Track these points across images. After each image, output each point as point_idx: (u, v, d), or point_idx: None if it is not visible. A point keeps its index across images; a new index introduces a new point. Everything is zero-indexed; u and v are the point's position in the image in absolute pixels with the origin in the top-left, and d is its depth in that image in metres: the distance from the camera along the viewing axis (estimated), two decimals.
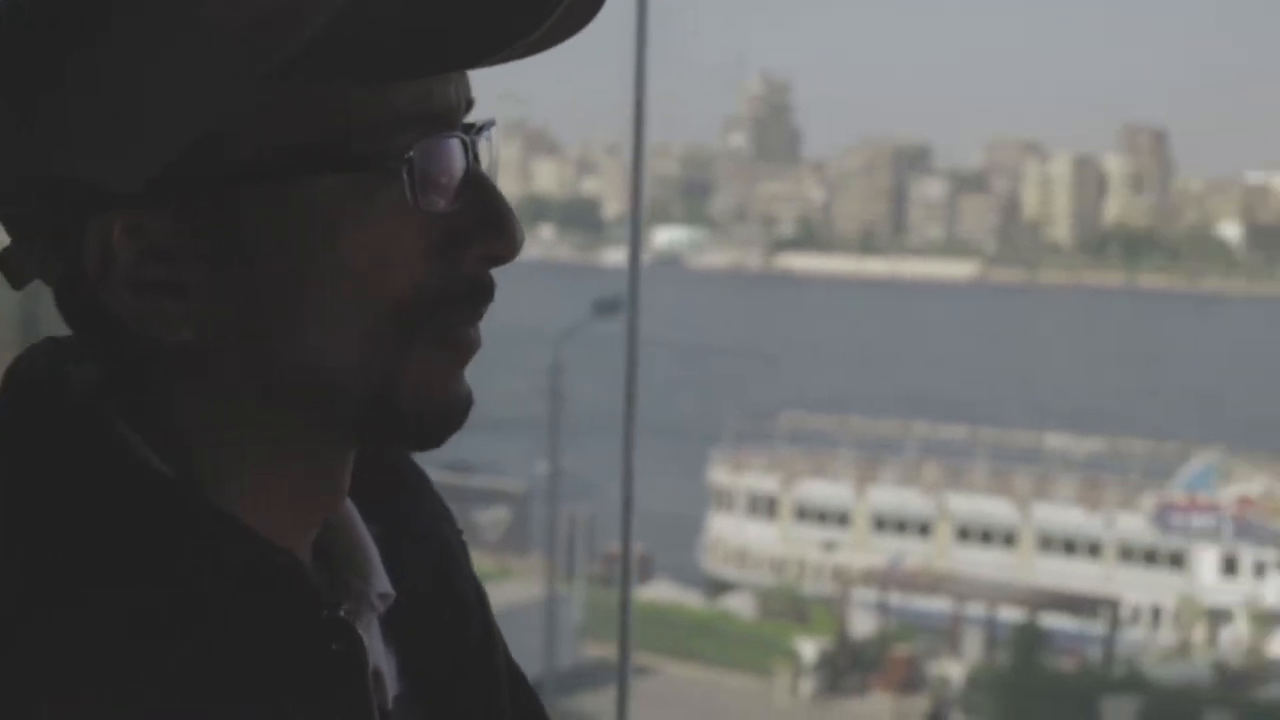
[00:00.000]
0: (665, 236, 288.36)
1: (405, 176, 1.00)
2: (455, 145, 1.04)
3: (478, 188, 1.05)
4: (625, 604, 3.28)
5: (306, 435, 1.05)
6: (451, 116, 1.04)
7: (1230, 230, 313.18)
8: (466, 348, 1.06)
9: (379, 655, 1.13)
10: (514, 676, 1.31)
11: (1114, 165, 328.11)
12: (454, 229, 1.03)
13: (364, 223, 1.00)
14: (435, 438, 1.06)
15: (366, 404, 1.02)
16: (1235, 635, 44.27)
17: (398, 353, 1.02)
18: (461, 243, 1.04)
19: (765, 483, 50.88)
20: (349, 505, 1.14)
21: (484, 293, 1.06)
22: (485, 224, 1.04)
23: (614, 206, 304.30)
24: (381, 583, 1.14)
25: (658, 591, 44.57)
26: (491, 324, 1.11)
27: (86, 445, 1.00)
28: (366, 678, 1.07)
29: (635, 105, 3.09)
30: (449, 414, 1.06)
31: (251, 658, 1.00)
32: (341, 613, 1.07)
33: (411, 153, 1.00)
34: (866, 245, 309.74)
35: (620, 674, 3.26)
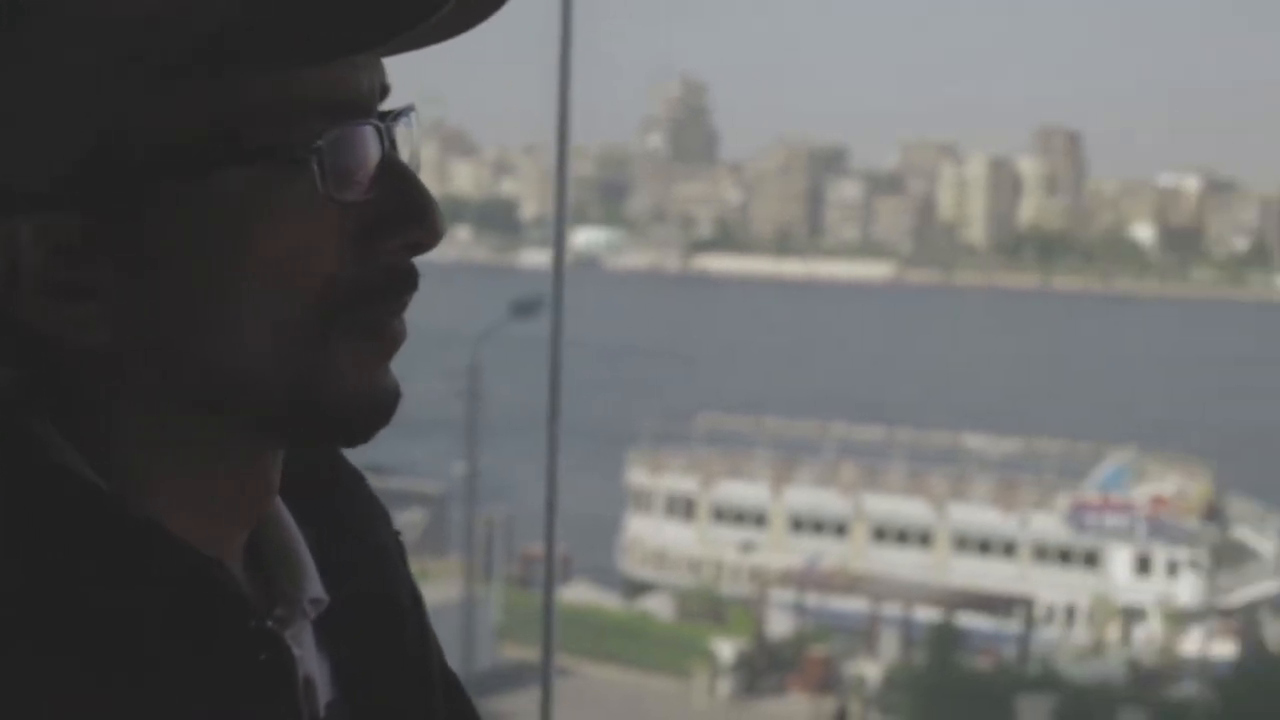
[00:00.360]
0: (583, 238, 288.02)
1: (315, 167, 0.97)
2: (368, 133, 1.01)
3: (394, 175, 1.02)
4: (549, 606, 3.26)
5: (230, 437, 1.02)
6: (362, 104, 1.01)
7: (1143, 232, 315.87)
8: (391, 339, 1.03)
9: (311, 662, 1.10)
10: (448, 681, 1.28)
11: (1028, 168, 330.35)
12: (371, 218, 1.01)
13: (274, 216, 0.97)
14: (362, 432, 1.03)
15: (289, 402, 0.99)
16: (1149, 634, 44.67)
17: (318, 348, 0.99)
18: (380, 232, 1.01)
19: (683, 484, 50.90)
20: (282, 508, 1.12)
21: (406, 281, 1.03)
22: (403, 212, 1.01)
23: (531, 208, 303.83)
24: (314, 587, 1.12)
25: (576, 593, 44.51)
26: (407, 325, 1.09)
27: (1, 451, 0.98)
28: (295, 687, 1.05)
29: (559, 106, 3.07)
30: (376, 407, 1.03)
31: (176, 670, 0.97)
32: (272, 620, 1.04)
33: (320, 142, 0.97)
34: (783, 246, 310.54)
35: (544, 675, 3.25)
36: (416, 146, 1.07)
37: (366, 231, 1.01)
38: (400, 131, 1.04)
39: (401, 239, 1.02)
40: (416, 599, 1.26)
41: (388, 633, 1.21)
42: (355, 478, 1.25)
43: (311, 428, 1.03)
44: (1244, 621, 44.86)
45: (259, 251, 0.97)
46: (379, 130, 1.02)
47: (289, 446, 1.08)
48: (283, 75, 0.96)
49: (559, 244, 3.07)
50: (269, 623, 1.03)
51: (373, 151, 1.01)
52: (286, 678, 1.04)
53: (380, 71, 1.03)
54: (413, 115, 1.06)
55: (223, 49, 0.92)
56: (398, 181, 1.02)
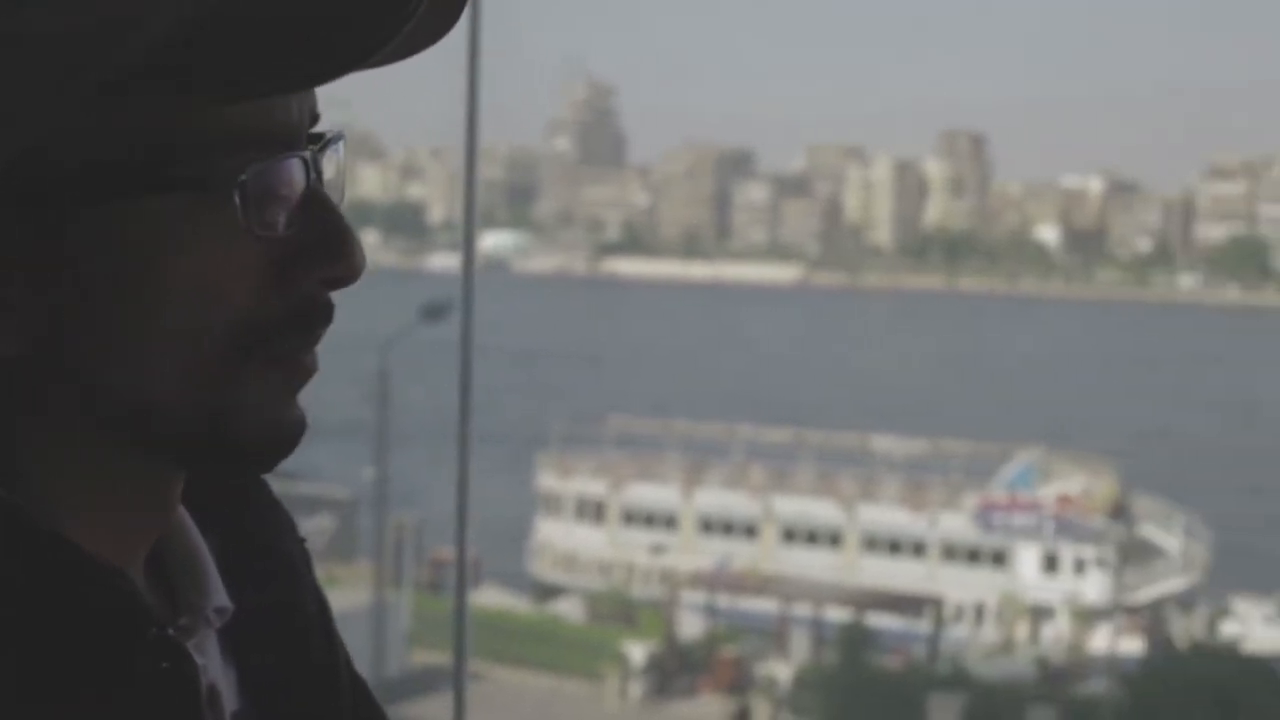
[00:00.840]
0: (491, 241, 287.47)
1: (237, 200, 0.95)
2: (295, 165, 0.99)
3: (317, 208, 1.00)
4: (461, 611, 3.23)
5: (137, 458, 1.01)
6: (292, 135, 0.99)
7: (1047, 233, 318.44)
8: (303, 372, 1.02)
9: (216, 671, 1.09)
10: (357, 686, 1.27)
11: (934, 170, 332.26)
12: (291, 251, 0.99)
13: (194, 246, 0.95)
14: (266, 464, 1.03)
15: (196, 433, 0.98)
16: (1057, 631, 45.02)
17: (229, 380, 0.98)
18: (299, 265, 0.99)
19: (592, 487, 50.89)
20: (185, 517, 1.11)
21: (321, 316, 1.01)
22: (324, 246, 1.00)
23: (439, 211, 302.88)
24: (218, 596, 1.11)
25: (486, 597, 44.40)
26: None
27: None
28: (199, 696, 1.04)
29: (468, 108, 3.04)
30: (280, 440, 1.02)
31: (78, 680, 0.96)
32: (175, 629, 1.03)
33: (245, 175, 0.95)
34: (691, 249, 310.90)
35: (456, 680, 3.21)
36: (343, 171, 1.05)
37: (286, 264, 0.99)
38: (327, 157, 1.03)
39: (320, 273, 1.00)
40: (323, 605, 1.25)
41: (294, 640, 1.19)
42: (259, 485, 1.23)
43: (215, 458, 1.01)
44: (1151, 618, 45.30)
45: (174, 281, 0.95)
46: (305, 162, 1.00)
47: (191, 473, 1.07)
48: (218, 104, 0.94)
49: (468, 248, 3.04)
50: (171, 631, 1.02)
51: (298, 185, 0.99)
52: (189, 687, 1.03)
53: (312, 98, 1.02)
54: (341, 144, 1.05)
55: (160, 74, 0.90)
56: (320, 215, 1.00)
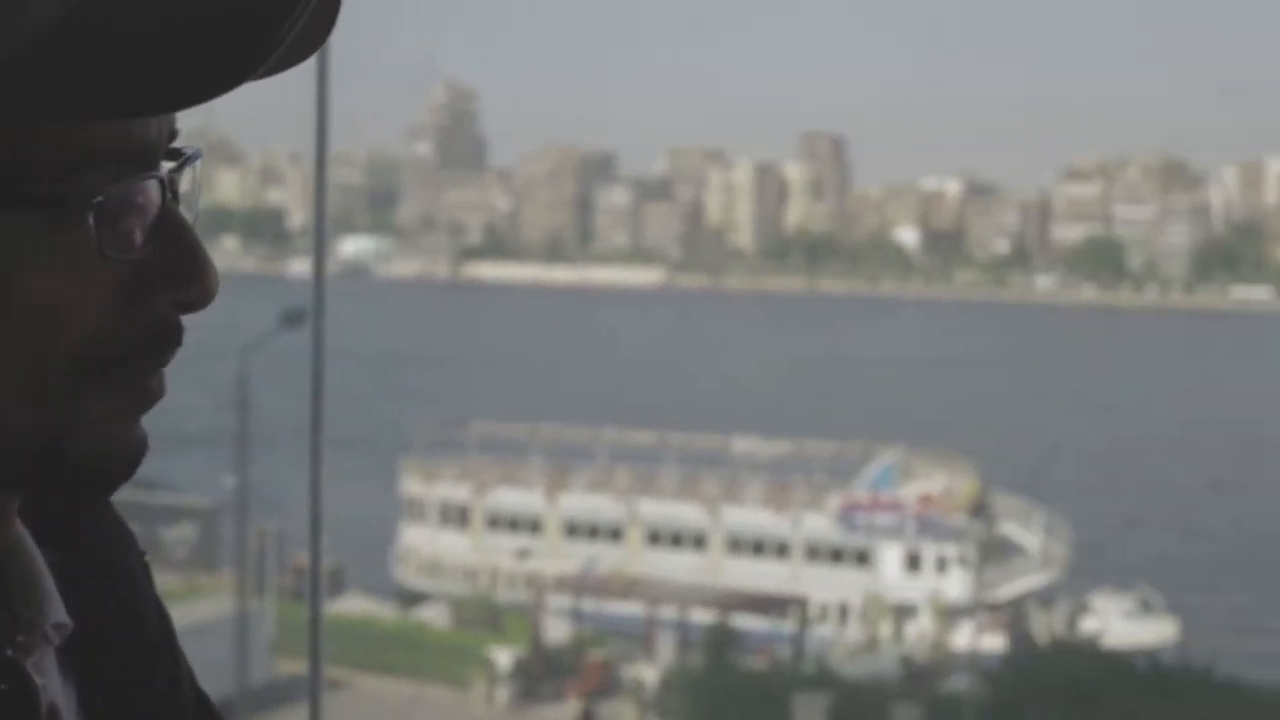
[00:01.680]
0: (352, 246, 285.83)
1: (91, 221, 0.93)
2: (151, 187, 0.97)
3: (172, 230, 0.98)
4: (316, 619, 3.18)
5: None
6: (150, 153, 0.97)
7: (907, 235, 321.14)
8: (149, 396, 1.00)
9: (55, 689, 1.07)
10: (199, 701, 1.24)
11: (794, 173, 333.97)
12: (144, 273, 0.97)
13: (43, 267, 0.92)
14: (105, 488, 1.00)
15: (36, 452, 0.95)
16: (920, 630, 45.42)
17: (73, 403, 0.95)
18: (150, 287, 0.97)
19: (457, 492, 50.70)
20: (23, 533, 1.08)
21: (171, 340, 1.00)
22: (177, 269, 0.98)
23: (299, 216, 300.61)
24: (57, 613, 1.08)
25: (351, 604, 44.13)
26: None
27: None
28: (38, 717, 1.02)
29: (317, 113, 2.99)
30: (121, 463, 0.99)
31: None
32: (12, 648, 1.01)
33: (100, 197, 0.93)
34: (553, 253, 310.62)
35: (311, 689, 3.16)
36: (198, 188, 1.04)
37: (138, 286, 0.97)
38: (185, 175, 1.02)
39: (172, 296, 0.99)
40: (164, 620, 1.24)
41: (135, 656, 1.18)
42: (99, 500, 1.20)
43: (54, 482, 0.99)
44: (1011, 615, 45.84)
45: (23, 299, 0.93)
46: (162, 183, 0.98)
47: (29, 494, 1.05)
48: (74, 124, 0.92)
49: (319, 254, 2.99)
50: (9, 651, 1.01)
51: (153, 206, 0.98)
52: (29, 708, 1.01)
53: (170, 115, 1.00)
54: (199, 162, 1.03)
55: (16, 89, 0.87)
56: (174, 236, 0.99)
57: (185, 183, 1.01)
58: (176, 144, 1.02)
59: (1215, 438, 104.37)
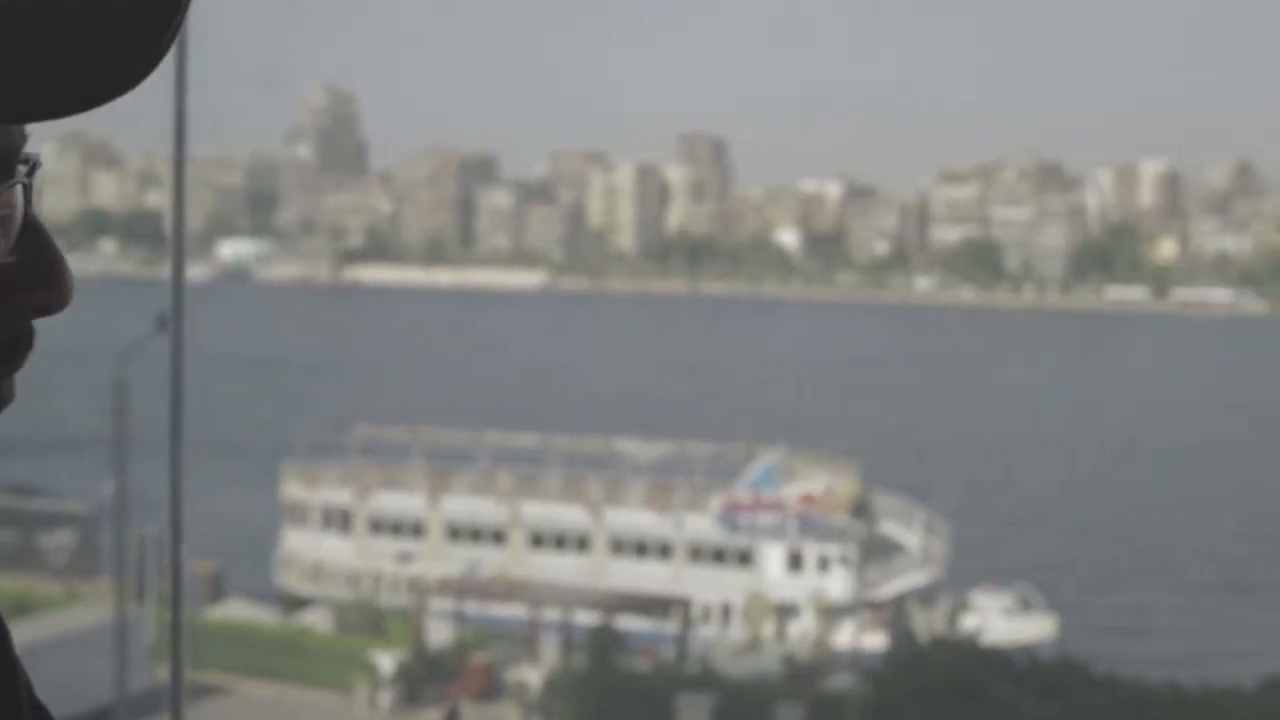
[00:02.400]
0: (231, 249, 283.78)
1: None
2: (17, 193, 0.97)
3: (31, 234, 0.98)
4: (178, 625, 3.19)
5: None
6: (12, 161, 0.98)
7: (787, 237, 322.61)
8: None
9: None
10: (37, 713, 1.25)
11: (675, 175, 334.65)
12: (7, 279, 0.97)
13: None
14: None
15: None
16: (802, 629, 45.70)
17: None
18: (14, 292, 0.97)
19: (338, 496, 50.46)
20: None
21: (25, 344, 0.99)
22: (35, 274, 0.97)
23: None
24: None
25: (232, 610, 43.82)
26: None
27: None
28: None
29: (176, 116, 3.02)
30: None
31: None
32: None
33: None
34: (434, 255, 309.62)
35: (173, 696, 3.18)
36: (39, 192, 1.02)
37: (1, 291, 0.97)
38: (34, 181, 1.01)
39: (30, 301, 0.98)
40: (2, 632, 1.23)
41: None
42: None
43: None
44: (893, 613, 46.22)
45: None
46: (25, 188, 0.98)
47: None
48: None
49: (178, 256, 3.01)
50: None
51: (18, 212, 0.97)
52: None
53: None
54: (40, 167, 1.03)
55: None
56: (33, 241, 0.98)
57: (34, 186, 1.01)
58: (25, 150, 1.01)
59: (1092, 437, 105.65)
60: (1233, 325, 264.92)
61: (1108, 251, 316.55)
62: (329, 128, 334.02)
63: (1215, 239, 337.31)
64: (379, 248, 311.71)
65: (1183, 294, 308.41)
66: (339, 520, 50.43)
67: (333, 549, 50.12)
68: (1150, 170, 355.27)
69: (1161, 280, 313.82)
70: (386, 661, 39.77)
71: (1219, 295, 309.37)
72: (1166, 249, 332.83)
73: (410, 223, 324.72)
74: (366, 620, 43.94)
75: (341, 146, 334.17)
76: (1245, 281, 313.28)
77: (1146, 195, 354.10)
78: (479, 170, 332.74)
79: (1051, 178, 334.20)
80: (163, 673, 36.49)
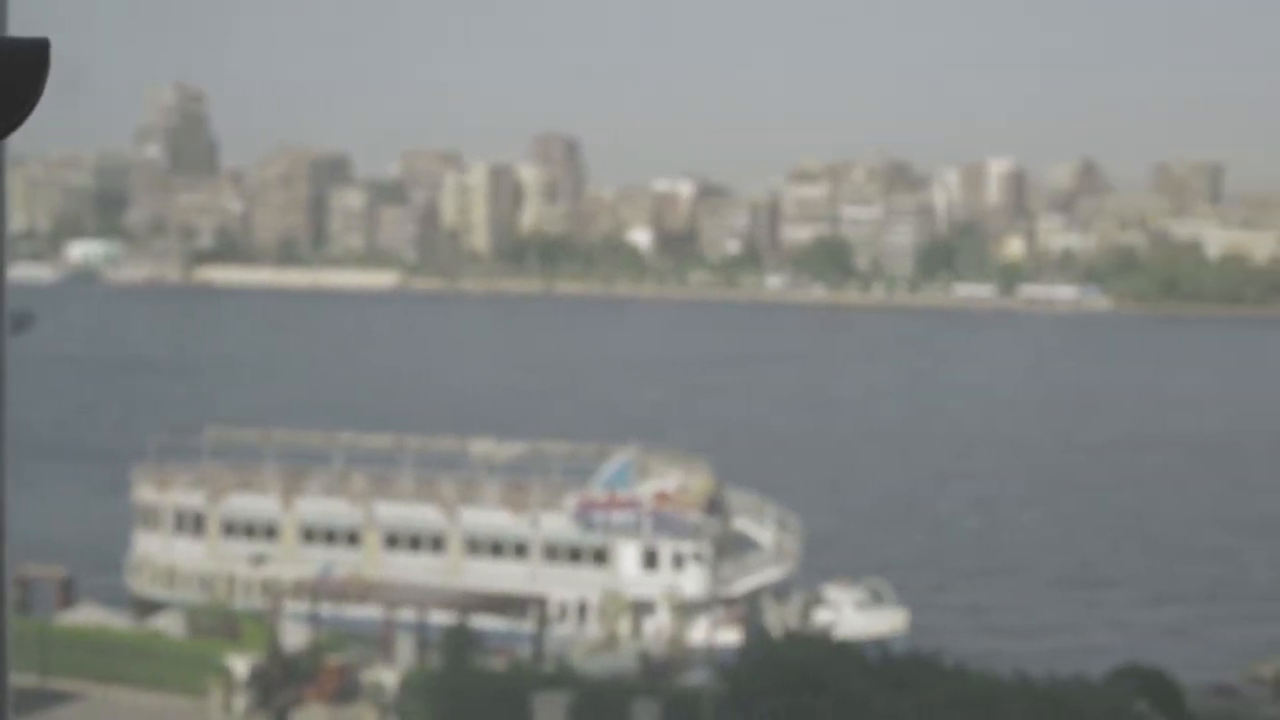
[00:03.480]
0: (80, 250, 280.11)
1: None
2: None
3: None
4: (1, 630, 3.24)
5: None
6: None
7: (640, 236, 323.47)
8: None
9: None
10: None
11: (529, 175, 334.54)
12: None
13: None
14: None
15: None
16: (658, 626, 45.97)
17: None
18: None
19: (191, 499, 50.05)
20: None
21: None
22: None
23: (20, 220, 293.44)
24: None
25: (83, 615, 43.35)
26: None
27: None
28: None
29: None
30: None
31: None
32: None
33: None
34: (287, 256, 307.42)
35: None
36: None
37: None
38: None
39: None
40: None
41: None
42: None
43: None
44: (747, 609, 46.60)
45: None
46: None
47: None
48: None
49: None
50: None
51: None
52: None
53: None
54: None
55: None
56: None
57: None
58: None
59: (938, 432, 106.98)
60: (1078, 321, 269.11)
61: (955, 249, 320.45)
62: (179, 127, 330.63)
63: (1060, 237, 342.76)
64: (230, 248, 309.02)
65: (1029, 291, 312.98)
66: (191, 523, 50.03)
67: (185, 552, 49.72)
68: (996, 169, 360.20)
69: (1008, 278, 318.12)
70: (240, 665, 39.51)
71: (1064, 292, 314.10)
72: (1013, 247, 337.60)
73: (262, 223, 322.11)
74: (220, 624, 43.62)
75: (192, 146, 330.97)
76: (1089, 278, 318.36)
77: (993, 194, 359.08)
78: (331, 170, 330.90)
79: (900, 177, 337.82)
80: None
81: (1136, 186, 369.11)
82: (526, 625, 43.29)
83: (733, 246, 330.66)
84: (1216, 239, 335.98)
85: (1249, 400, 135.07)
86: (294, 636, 42.00)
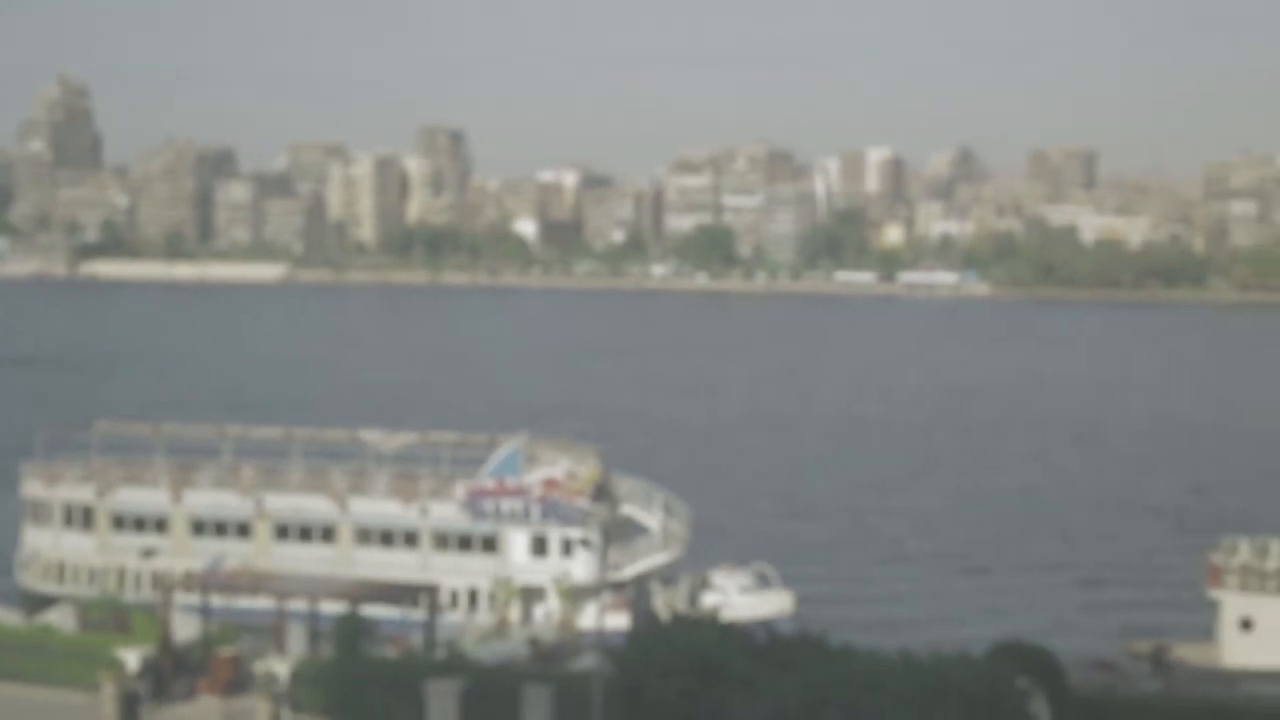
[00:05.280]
0: None
1: None
2: None
3: None
4: None
5: None
6: None
7: (526, 227, 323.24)
8: None
9: None
10: None
11: (414, 167, 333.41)
12: None
13: None
14: None
15: None
16: (548, 611, 46.55)
17: None
18: None
19: (80, 493, 50.06)
20: None
21: None
22: None
23: None
24: None
25: None
26: None
27: None
28: None
29: None
30: None
31: None
32: None
33: None
34: (173, 249, 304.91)
35: None
36: None
37: None
38: None
39: None
40: None
41: None
42: None
43: None
44: (635, 593, 47.25)
45: None
46: None
47: None
48: None
49: None
50: None
51: None
52: None
53: None
54: None
55: None
56: None
57: None
58: None
59: (820, 416, 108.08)
60: (958, 306, 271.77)
61: (836, 237, 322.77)
62: (63, 121, 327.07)
63: (939, 223, 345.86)
64: (116, 242, 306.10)
65: (909, 277, 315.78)
66: (81, 517, 50.07)
67: (75, 547, 49.76)
68: (875, 158, 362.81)
69: (888, 264, 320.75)
70: (132, 658, 39.66)
71: (944, 278, 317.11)
72: (892, 234, 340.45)
73: (148, 217, 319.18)
74: (111, 617, 43.68)
75: (76, 140, 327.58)
76: (968, 264, 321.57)
77: (872, 182, 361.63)
78: (217, 163, 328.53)
79: (781, 166, 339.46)
80: None
81: (1013, 173, 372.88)
82: (418, 614, 43.62)
83: (617, 236, 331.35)
84: (1091, 224, 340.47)
85: (1124, 380, 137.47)
86: (185, 629, 42.10)
